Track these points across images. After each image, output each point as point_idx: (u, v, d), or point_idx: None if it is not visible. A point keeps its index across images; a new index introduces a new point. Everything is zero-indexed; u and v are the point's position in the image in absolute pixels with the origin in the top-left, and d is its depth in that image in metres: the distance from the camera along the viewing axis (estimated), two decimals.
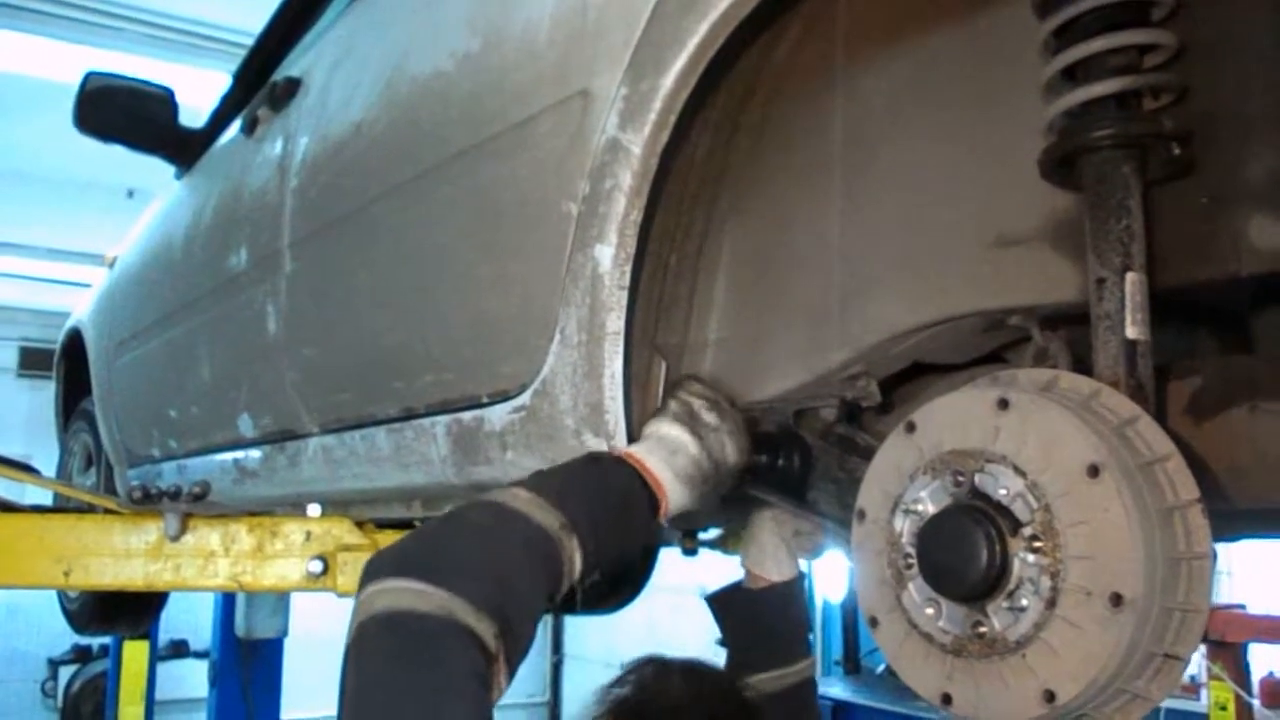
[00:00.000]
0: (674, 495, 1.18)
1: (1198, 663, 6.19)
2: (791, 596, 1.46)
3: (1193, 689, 6.42)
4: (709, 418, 1.25)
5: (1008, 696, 0.91)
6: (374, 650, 0.89)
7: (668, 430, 1.22)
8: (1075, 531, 0.86)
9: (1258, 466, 1.08)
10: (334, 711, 0.89)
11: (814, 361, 1.29)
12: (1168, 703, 6.26)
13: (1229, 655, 5.42)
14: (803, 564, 1.47)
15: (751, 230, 1.35)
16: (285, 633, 5.06)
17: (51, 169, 6.87)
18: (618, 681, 0.96)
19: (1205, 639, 5.42)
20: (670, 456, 1.20)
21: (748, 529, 1.48)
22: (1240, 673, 5.49)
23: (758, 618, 1.45)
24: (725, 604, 1.50)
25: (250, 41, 2.73)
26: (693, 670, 0.94)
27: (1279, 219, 0.95)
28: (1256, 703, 5.60)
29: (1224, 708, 5.44)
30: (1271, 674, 6.07)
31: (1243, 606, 5.75)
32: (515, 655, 0.94)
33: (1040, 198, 1.08)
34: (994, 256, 1.13)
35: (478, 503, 1.05)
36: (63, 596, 3.70)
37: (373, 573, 0.93)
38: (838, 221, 1.26)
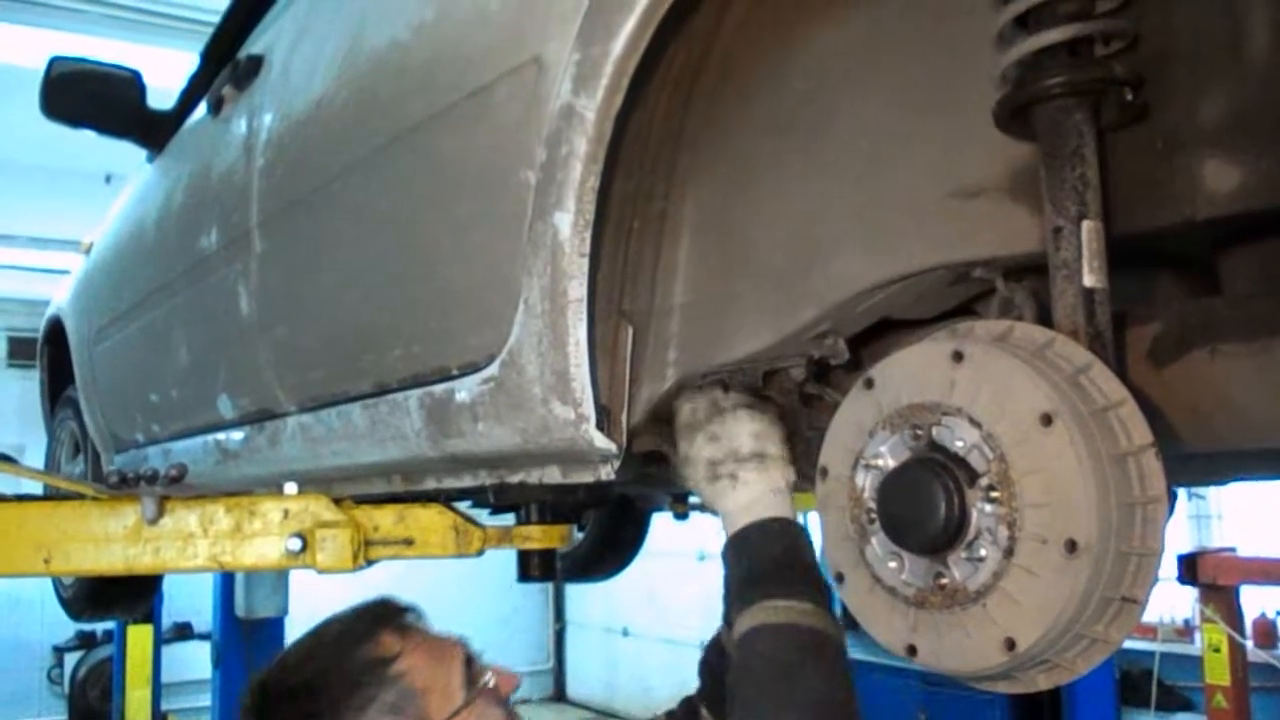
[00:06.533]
0: None
1: (1191, 607, 6.26)
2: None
3: (1186, 632, 6.50)
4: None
5: (970, 645, 0.91)
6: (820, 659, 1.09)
7: (781, 480, 1.30)
8: (1030, 480, 0.87)
9: (1219, 409, 1.08)
10: None
11: (781, 321, 1.28)
12: (1163, 646, 6.34)
13: (1222, 598, 5.47)
14: None
15: (714, 192, 1.34)
16: (285, 611, 5.09)
17: (26, 157, 6.81)
18: None
19: (1198, 583, 5.47)
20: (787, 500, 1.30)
21: None
22: (1233, 615, 5.54)
23: None
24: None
25: (216, 20, 2.69)
26: None
27: (1233, 161, 0.94)
28: (1249, 644, 5.66)
29: (1218, 650, 5.49)
30: (1264, 615, 6.14)
31: (1234, 550, 5.80)
32: None
33: (998, 149, 1.08)
34: (955, 209, 1.12)
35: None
36: (57, 584, 3.69)
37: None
38: (798, 180, 1.25)
